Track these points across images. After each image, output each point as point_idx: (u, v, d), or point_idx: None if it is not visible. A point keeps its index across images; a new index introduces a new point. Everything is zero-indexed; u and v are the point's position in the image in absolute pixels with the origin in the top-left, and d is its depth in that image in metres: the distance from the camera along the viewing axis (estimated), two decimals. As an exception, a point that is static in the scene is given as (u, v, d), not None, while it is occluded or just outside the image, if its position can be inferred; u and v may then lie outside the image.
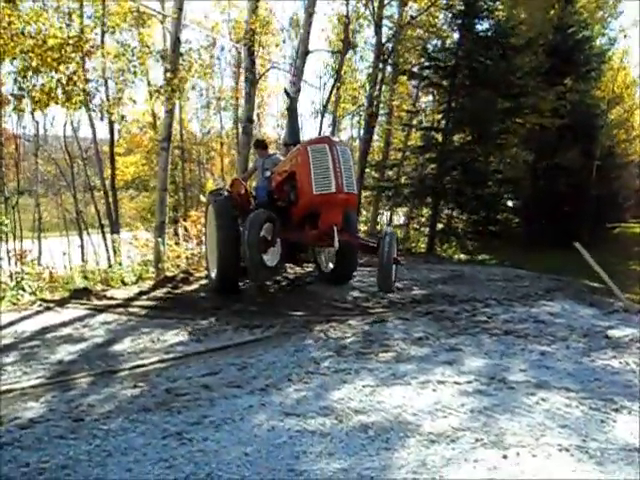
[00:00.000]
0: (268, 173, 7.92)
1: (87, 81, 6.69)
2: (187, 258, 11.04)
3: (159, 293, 8.02)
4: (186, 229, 11.10)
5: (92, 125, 14.70)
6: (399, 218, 20.87)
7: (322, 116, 15.53)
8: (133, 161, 19.66)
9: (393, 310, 6.56)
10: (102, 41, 6.57)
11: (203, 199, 11.85)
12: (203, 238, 9.49)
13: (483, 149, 13.02)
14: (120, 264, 10.18)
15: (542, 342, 4.95)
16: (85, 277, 9.16)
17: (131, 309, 7.04)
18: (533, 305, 6.55)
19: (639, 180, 27.62)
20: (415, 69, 14.97)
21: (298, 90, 12.23)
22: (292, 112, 7.47)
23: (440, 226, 14.44)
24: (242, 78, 14.86)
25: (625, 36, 23.39)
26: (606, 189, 20.44)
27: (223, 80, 20.10)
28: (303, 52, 12.04)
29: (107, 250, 15.36)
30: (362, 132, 15.21)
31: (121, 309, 7.02)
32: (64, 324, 6.28)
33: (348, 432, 3.13)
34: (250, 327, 5.89)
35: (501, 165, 14.20)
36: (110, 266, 10.58)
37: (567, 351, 4.64)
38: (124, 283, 9.39)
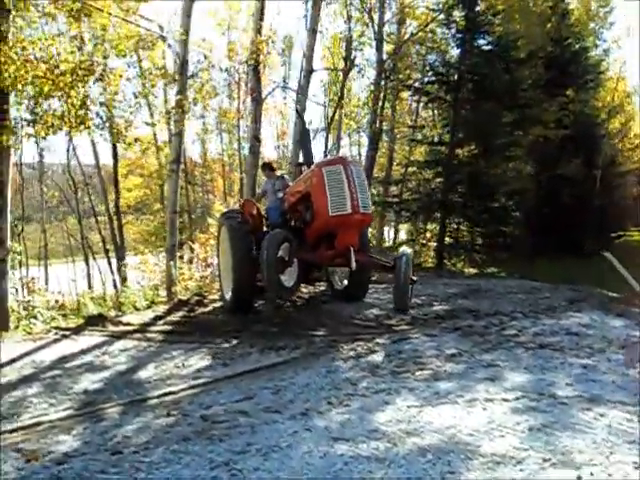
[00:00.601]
0: (281, 194, 7.87)
1: (101, 104, 6.65)
2: (196, 281, 10.93)
3: (175, 317, 7.89)
4: (192, 250, 10.99)
5: (94, 150, 14.65)
6: (402, 234, 20.84)
7: (327, 133, 15.55)
8: (136, 184, 19.60)
9: (418, 327, 6.43)
10: (106, 63, 6.54)
11: (211, 221, 11.76)
12: (215, 260, 9.38)
13: (489, 162, 13.01)
14: (129, 289, 10.05)
15: (580, 355, 4.83)
16: (99, 304, 9.01)
17: (149, 334, 6.90)
18: (560, 317, 6.44)
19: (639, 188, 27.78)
20: (417, 84, 15.03)
21: (303, 109, 12.25)
22: (305, 132, 7.43)
23: (448, 240, 14.36)
24: (242, 98, 14.95)
25: (619, 46, 23.61)
26: (608, 198, 20.46)
27: (223, 101, 20.14)
28: (307, 71, 12.07)
29: (113, 275, 15.22)
30: (366, 149, 15.23)
31: (139, 335, 6.89)
32: (83, 352, 6.14)
33: (405, 456, 2.99)
34: (275, 349, 5.76)
35: (506, 177, 14.16)
36: (121, 291, 10.44)
37: (609, 364, 4.52)
38: (136, 308, 9.25)
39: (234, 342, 6.19)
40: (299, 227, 7.25)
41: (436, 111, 15.97)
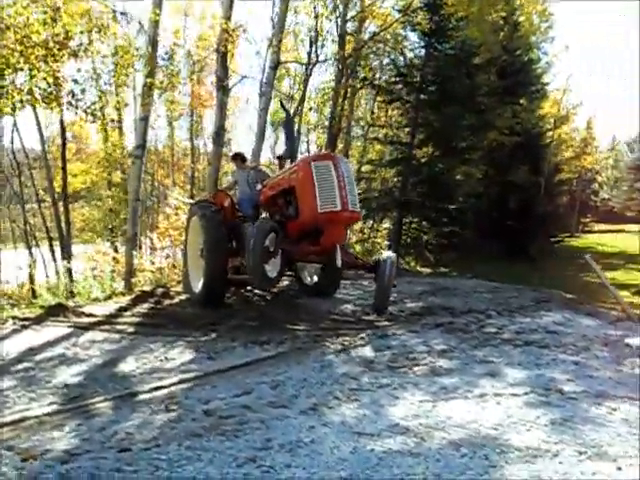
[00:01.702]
0: (259, 186, 7.69)
1: (75, 82, 6.22)
2: (153, 272, 10.54)
3: (142, 309, 7.56)
4: (152, 240, 10.58)
5: (40, 132, 13.80)
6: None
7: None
8: (82, 169, 18.64)
9: (399, 323, 6.45)
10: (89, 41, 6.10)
11: (169, 211, 11.36)
12: (174, 251, 9.06)
13: (448, 164, 13.27)
14: (85, 279, 9.54)
15: (567, 352, 4.98)
16: (53, 293, 8.50)
17: (118, 326, 6.57)
18: (534, 316, 6.63)
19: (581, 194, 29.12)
20: (378, 83, 15.11)
21: (268, 100, 12.06)
22: (288, 126, 7.26)
23: (405, 239, 14.54)
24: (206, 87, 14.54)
25: (559, 60, 24.71)
26: (551, 205, 21.43)
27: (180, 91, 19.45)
28: (274, 63, 11.89)
29: (55, 263, 14.43)
30: (324, 146, 15.16)
31: (106, 326, 6.55)
32: (50, 344, 5.77)
33: (439, 451, 2.95)
34: (259, 343, 5.61)
35: (464, 180, 14.49)
36: (70, 281, 9.88)
37: (599, 360, 4.68)
38: (93, 299, 8.82)
39: (213, 335, 6.00)
40: (279, 220, 7.10)
41: (396, 111, 16.10)
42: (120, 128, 17.68)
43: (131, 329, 6.41)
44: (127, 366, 4.95)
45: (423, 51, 14.10)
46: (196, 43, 11.74)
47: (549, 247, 20.86)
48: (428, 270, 14.89)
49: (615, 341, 5.32)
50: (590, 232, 44.61)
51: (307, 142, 17.74)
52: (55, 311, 7.10)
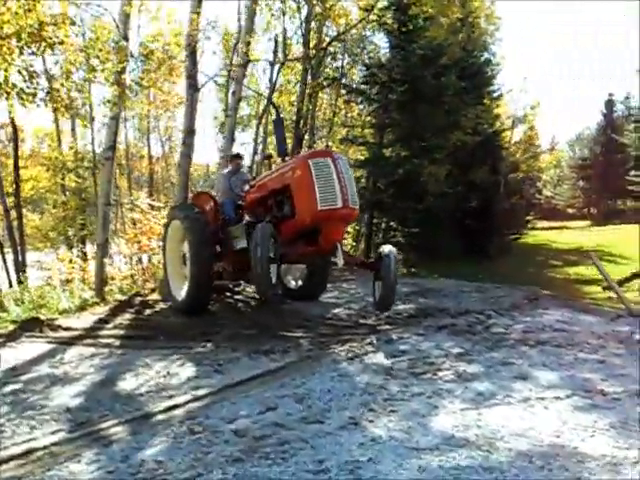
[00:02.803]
0: (247, 187, 7.37)
1: (50, 77, 5.73)
2: (123, 279, 10.00)
3: (123, 320, 7.11)
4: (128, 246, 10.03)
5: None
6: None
7: (258, 127, 14.96)
8: (33, 175, 17.56)
9: (400, 326, 6.28)
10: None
11: (136, 216, 10.81)
12: (160, 256, 8.57)
13: (418, 164, 13.27)
14: (53, 289, 8.92)
15: (585, 350, 4.94)
16: (17, 305, 7.87)
17: (103, 340, 6.12)
18: (534, 314, 6.61)
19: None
20: (345, 82, 14.98)
21: (239, 100, 11.71)
22: (278, 123, 6.98)
23: (374, 240, 14.47)
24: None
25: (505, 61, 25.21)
26: (509, 203, 21.91)
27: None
28: (244, 61, 11.56)
29: (8, 274, 13.53)
30: (292, 147, 14.89)
31: (90, 340, 6.10)
32: (34, 362, 5.30)
33: (512, 464, 2.78)
34: (263, 352, 5.32)
35: (432, 180, 14.49)
36: (33, 291, 9.21)
37: (622, 358, 4.65)
38: (62, 310, 8.26)
39: (210, 346, 5.65)
40: (269, 222, 6.81)
41: (357, 111, 16.00)
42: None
43: (118, 342, 5.98)
44: (128, 384, 4.56)
45: (388, 51, 14.05)
46: (168, 41, 11.19)
47: (506, 245, 21.29)
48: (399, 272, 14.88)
49: (627, 338, 5.33)
50: (534, 229, 46.11)
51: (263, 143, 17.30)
52: (29, 326, 6.57)
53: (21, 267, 13.01)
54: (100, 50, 6.09)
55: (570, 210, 53.15)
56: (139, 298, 8.29)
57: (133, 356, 5.41)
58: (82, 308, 8.03)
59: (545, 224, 47.94)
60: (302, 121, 14.43)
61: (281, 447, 3.21)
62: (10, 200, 13.82)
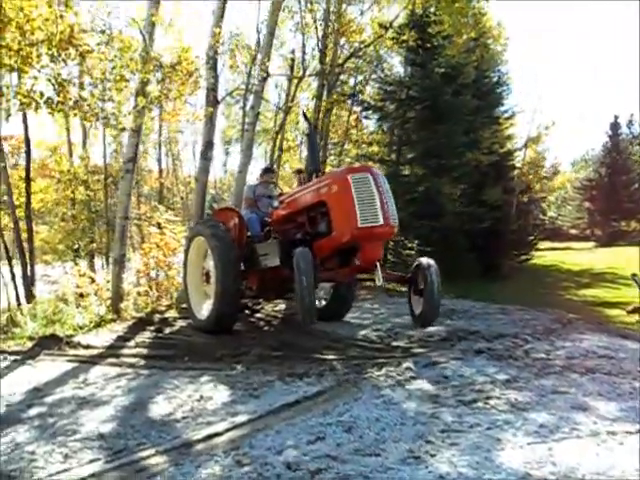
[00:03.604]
0: (276, 203, 7.18)
1: (81, 85, 5.57)
2: (139, 295, 9.77)
3: (144, 338, 6.90)
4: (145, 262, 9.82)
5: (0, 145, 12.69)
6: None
7: (274, 141, 14.80)
8: (41, 187, 17.39)
9: (434, 350, 6.02)
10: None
11: (154, 230, 10.62)
12: (182, 275, 8.34)
13: (438, 182, 13.13)
14: (68, 305, 8.68)
15: (639, 379, 4.70)
16: (34, 319, 7.64)
17: (125, 359, 5.91)
18: (572, 339, 6.35)
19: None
20: (363, 98, 14.91)
21: (257, 114, 11.58)
22: (312, 138, 6.82)
23: (389, 259, 14.27)
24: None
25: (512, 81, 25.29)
26: (518, 224, 21.75)
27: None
28: (263, 75, 11.46)
29: (16, 288, 13.28)
30: (306, 162, 14.75)
31: (113, 359, 5.89)
32: (57, 382, 5.10)
33: (606, 510, 2.54)
34: (298, 376, 5.08)
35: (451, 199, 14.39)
36: (52, 307, 8.99)
37: (680, 388, 4.41)
38: (77, 327, 8.03)
39: (240, 368, 5.42)
40: (300, 239, 6.61)
41: (371, 128, 15.94)
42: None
43: (143, 362, 5.76)
44: (161, 409, 4.33)
45: (405, 68, 13.99)
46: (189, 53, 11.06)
47: (517, 265, 21.14)
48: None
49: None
50: (538, 250, 46.02)
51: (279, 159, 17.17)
52: (48, 343, 6.36)
53: (30, 281, 12.79)
54: (131, 60, 5.95)
55: (573, 231, 53.08)
56: (158, 315, 8.06)
57: (160, 377, 5.18)
58: (98, 325, 7.81)
59: (548, 245, 47.81)
60: (318, 137, 14.29)
61: (342, 484, 2.97)
62: (19, 211, 13.63)
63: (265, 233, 7.39)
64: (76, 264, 14.17)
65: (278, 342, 6.50)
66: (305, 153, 15.98)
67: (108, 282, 9.67)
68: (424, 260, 6.53)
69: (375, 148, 15.33)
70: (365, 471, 3.11)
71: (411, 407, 4.19)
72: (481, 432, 3.61)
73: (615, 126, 48.89)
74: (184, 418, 4.10)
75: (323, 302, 8.10)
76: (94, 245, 16.87)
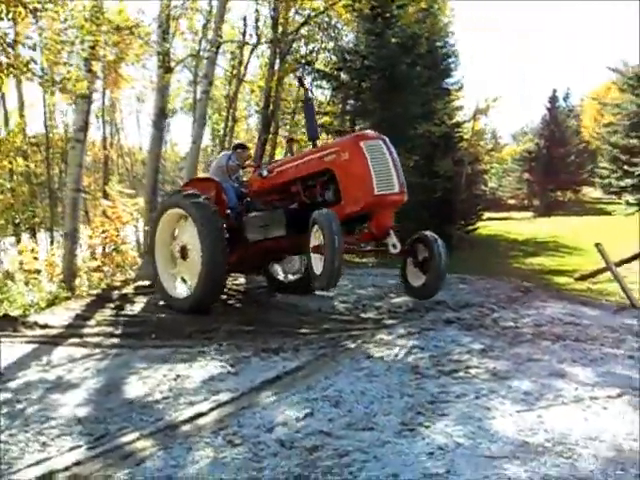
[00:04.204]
0: (265, 172, 6.79)
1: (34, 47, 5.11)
2: (89, 271, 9.37)
3: (105, 316, 6.59)
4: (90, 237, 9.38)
5: None
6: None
7: (228, 111, 14.31)
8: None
9: (405, 320, 6.07)
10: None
11: (107, 203, 10.15)
12: (146, 251, 7.95)
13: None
14: (14, 283, 8.20)
15: (607, 345, 4.87)
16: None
17: (89, 339, 5.63)
18: (537, 307, 6.54)
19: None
20: (317, 67, 14.60)
21: (210, 82, 11.17)
22: (308, 104, 6.51)
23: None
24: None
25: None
26: (469, 194, 22.25)
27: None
28: (216, 42, 11.02)
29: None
30: (259, 133, 14.45)
31: (75, 339, 5.61)
32: (19, 365, 4.82)
33: (605, 472, 2.62)
34: (273, 351, 4.99)
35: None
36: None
37: (649, 353, 4.61)
38: (28, 306, 7.66)
39: (213, 345, 5.27)
40: (297, 209, 6.33)
41: (324, 98, 15.70)
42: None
43: (108, 341, 5.52)
44: (137, 390, 4.16)
45: (357, 37, 13.78)
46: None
47: (465, 236, 21.68)
48: (364, 260, 14.78)
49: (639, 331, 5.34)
50: (480, 220, 47.40)
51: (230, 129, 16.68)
52: (1, 324, 5.99)
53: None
54: (85, 20, 5.48)
55: (512, 201, 54.76)
56: (116, 292, 7.75)
57: (129, 357, 4.98)
58: (52, 303, 7.44)
59: (489, 215, 49.22)
60: (270, 106, 13.99)
61: (341, 460, 2.93)
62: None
63: (245, 204, 7.06)
64: (18, 240, 13.42)
65: (247, 316, 6.39)
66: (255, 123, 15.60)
67: (57, 257, 9.23)
68: (428, 233, 6.41)
69: (327, 118, 15.16)
70: (362, 446, 3.08)
71: (394, 379, 4.18)
72: (469, 402, 3.64)
73: (553, 99, 50.32)
74: (165, 399, 3.95)
75: (297, 275, 7.93)
76: (36, 219, 16.02)
